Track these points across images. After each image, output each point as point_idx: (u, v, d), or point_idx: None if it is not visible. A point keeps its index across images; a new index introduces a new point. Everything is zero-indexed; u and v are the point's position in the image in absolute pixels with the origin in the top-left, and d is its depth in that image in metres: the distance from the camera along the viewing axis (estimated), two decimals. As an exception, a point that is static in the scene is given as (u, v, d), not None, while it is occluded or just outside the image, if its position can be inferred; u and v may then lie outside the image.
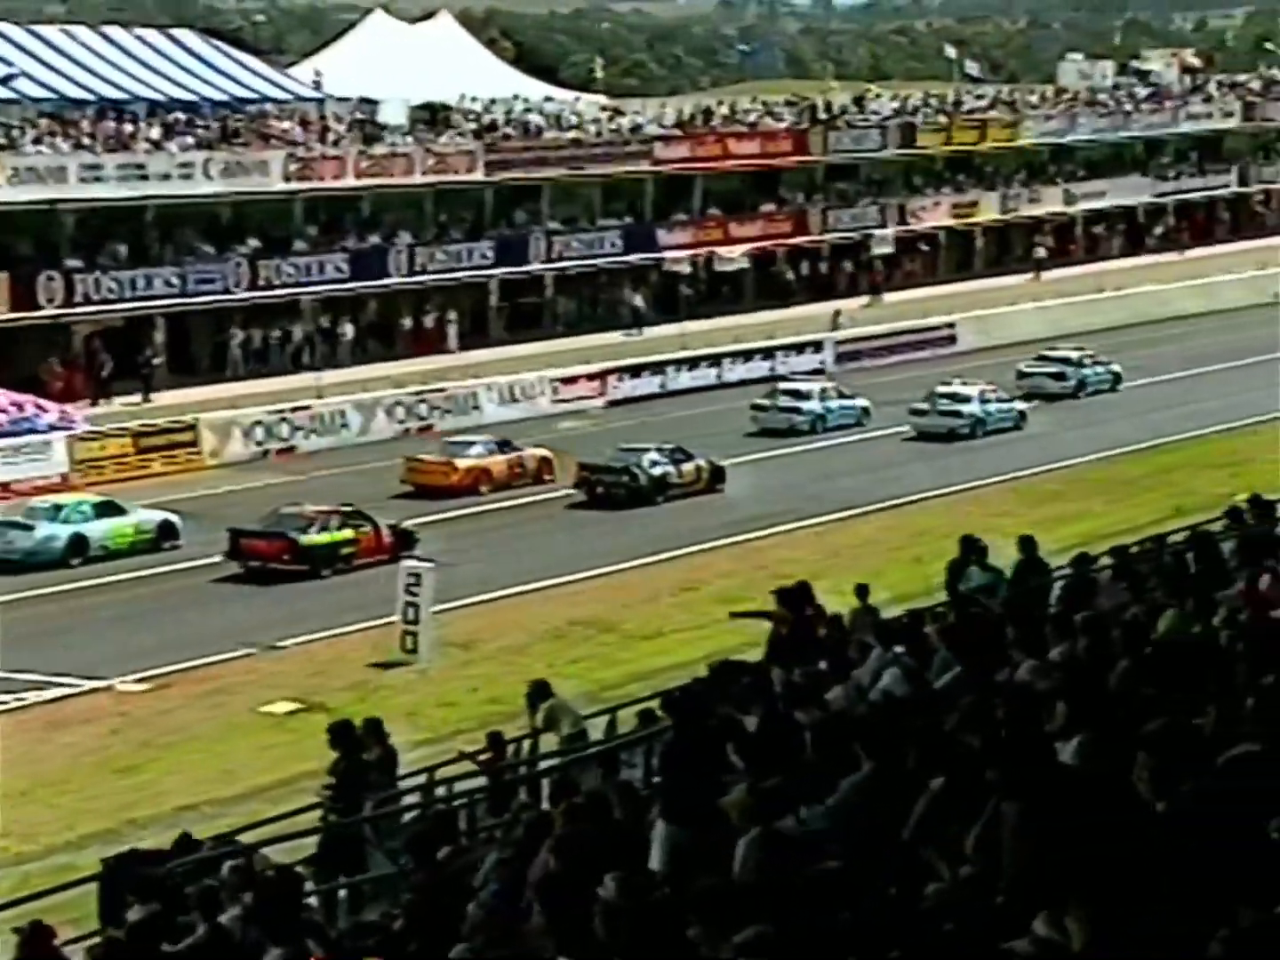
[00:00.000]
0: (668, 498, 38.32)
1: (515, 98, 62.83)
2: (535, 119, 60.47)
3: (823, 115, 67.78)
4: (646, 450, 38.99)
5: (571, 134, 59.84)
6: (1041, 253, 69.06)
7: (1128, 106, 76.42)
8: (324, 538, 32.79)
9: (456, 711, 25.70)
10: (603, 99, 69.54)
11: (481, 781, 16.91)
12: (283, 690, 26.85)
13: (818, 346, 54.97)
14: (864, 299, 62.79)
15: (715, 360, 52.48)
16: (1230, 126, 79.46)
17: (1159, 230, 74.87)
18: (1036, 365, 50.12)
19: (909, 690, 10.98)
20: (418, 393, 46.82)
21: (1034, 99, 76.87)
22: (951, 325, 58.17)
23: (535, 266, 56.67)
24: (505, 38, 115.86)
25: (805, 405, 45.30)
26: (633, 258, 58.71)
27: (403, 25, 70.22)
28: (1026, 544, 18.20)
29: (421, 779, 17.57)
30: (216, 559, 32.99)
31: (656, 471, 38.47)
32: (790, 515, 36.57)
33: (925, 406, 44.79)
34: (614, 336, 55.27)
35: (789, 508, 37.13)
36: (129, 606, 31.23)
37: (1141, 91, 79.12)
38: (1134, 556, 17.21)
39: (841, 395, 46.21)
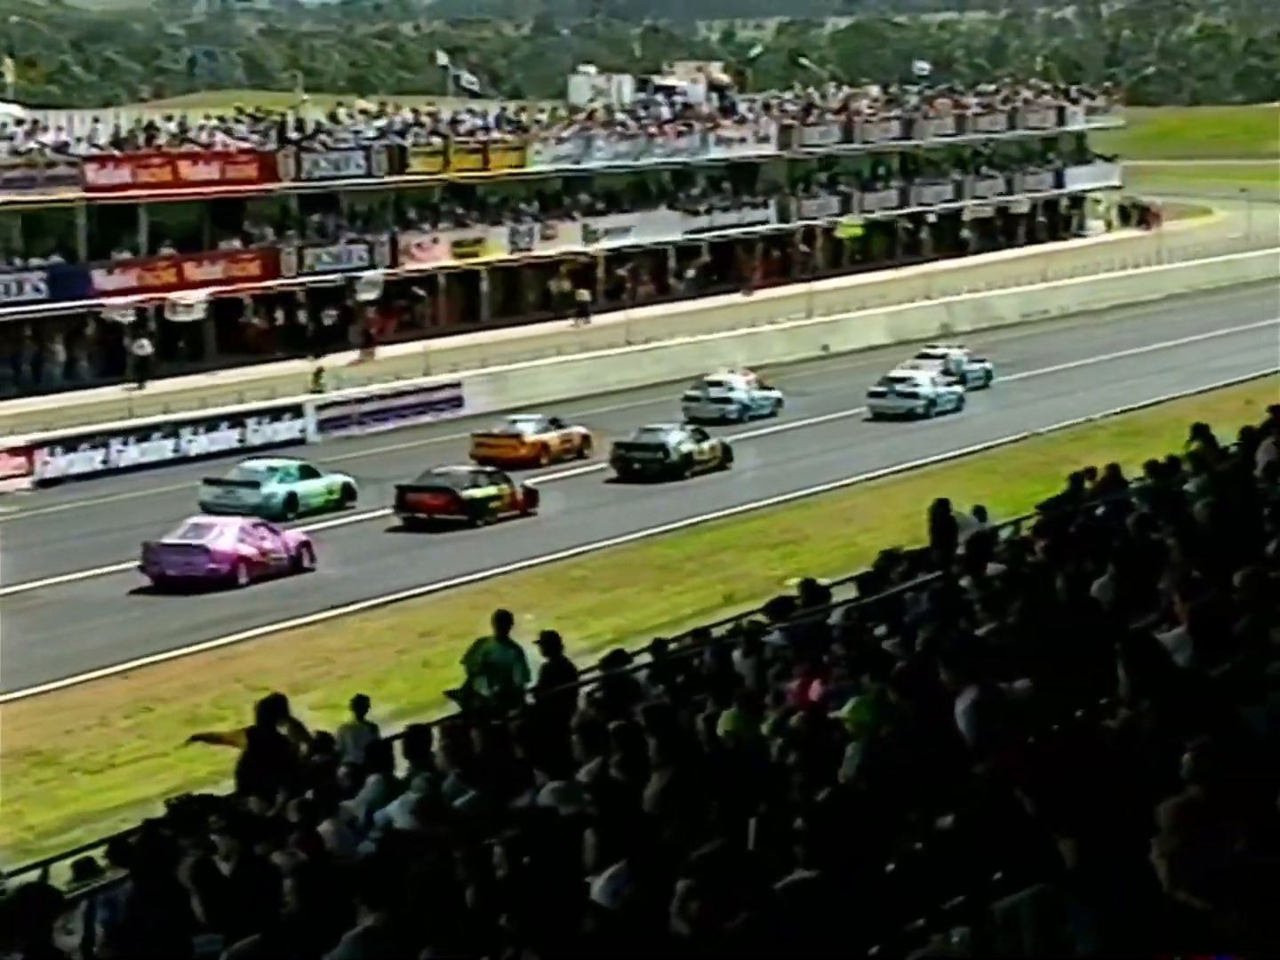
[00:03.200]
0: (694, 472, 49.53)
1: (-98, 107, 60.98)
2: (-67, 134, 58.78)
3: (293, 134, 67.83)
4: (672, 429, 50.70)
5: (-19, 153, 58.40)
6: (585, 296, 70.75)
7: (651, 128, 78.72)
8: (479, 492, 44.44)
9: None
10: (17, 110, 67.90)
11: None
12: None
13: (296, 411, 54.88)
14: (353, 354, 62.98)
15: (172, 430, 51.80)
16: (766, 153, 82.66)
17: (691, 272, 77.37)
18: (923, 363, 61.80)
19: (413, 823, 11.02)
20: None
21: (543, 118, 78.54)
22: (458, 385, 58.82)
23: (-60, 317, 55.05)
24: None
25: (733, 395, 57.67)
26: (62, 305, 57.53)
27: None
28: (549, 643, 18.46)
29: None
30: None
31: (685, 449, 49.83)
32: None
33: (883, 390, 57.82)
34: (44, 401, 54.03)
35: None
36: None
37: (665, 111, 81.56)
38: (674, 654, 17.65)
39: (761, 387, 58.67)
